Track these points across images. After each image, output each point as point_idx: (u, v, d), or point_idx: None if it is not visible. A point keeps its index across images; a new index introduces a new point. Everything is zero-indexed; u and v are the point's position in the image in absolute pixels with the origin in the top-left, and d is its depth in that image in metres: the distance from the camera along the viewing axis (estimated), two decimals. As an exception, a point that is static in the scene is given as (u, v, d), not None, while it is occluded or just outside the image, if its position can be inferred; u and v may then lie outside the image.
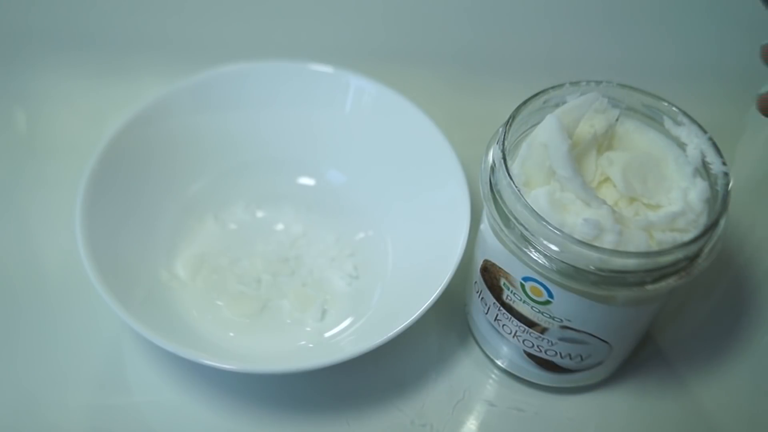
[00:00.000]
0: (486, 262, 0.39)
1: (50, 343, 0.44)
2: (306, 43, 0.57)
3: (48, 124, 0.55)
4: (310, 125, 0.51)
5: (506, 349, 0.42)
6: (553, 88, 0.38)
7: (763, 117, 0.36)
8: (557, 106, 0.38)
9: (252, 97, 0.50)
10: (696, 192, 0.35)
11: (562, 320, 0.37)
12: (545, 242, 0.34)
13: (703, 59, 0.59)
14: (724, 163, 0.35)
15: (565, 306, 0.36)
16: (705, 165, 0.36)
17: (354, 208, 0.50)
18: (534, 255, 0.34)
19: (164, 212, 0.48)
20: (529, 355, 0.41)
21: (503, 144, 0.35)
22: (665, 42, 0.59)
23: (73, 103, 0.56)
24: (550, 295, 0.36)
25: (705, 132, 0.36)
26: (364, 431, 0.41)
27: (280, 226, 0.49)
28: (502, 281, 0.38)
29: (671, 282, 0.34)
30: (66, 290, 0.46)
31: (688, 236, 0.34)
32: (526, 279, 0.36)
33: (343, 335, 0.44)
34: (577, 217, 0.34)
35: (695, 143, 0.36)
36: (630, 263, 0.33)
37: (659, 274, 0.34)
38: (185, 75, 0.49)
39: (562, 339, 0.38)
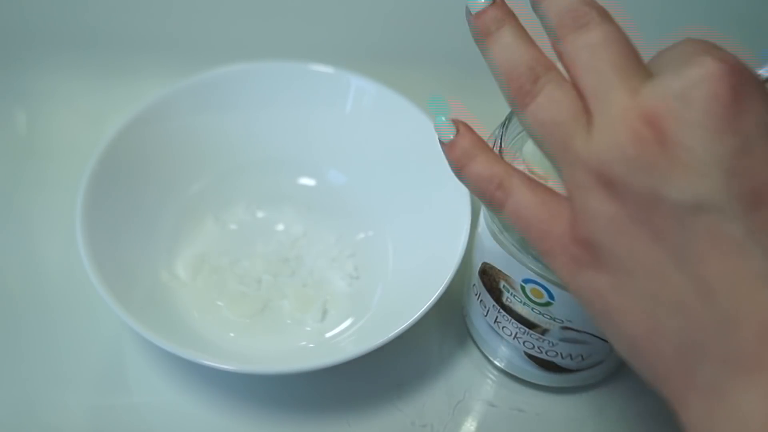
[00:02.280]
0: (485, 264, 0.39)
1: (50, 343, 0.44)
2: (306, 43, 0.57)
3: (48, 124, 0.55)
4: (311, 126, 0.51)
5: (506, 350, 0.42)
6: None
7: None
8: None
9: (252, 98, 0.50)
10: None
11: (563, 321, 0.37)
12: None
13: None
14: None
15: (566, 307, 0.36)
16: None
17: (354, 209, 0.50)
18: (535, 257, 0.34)
19: (165, 212, 0.48)
20: (530, 356, 0.41)
21: (500, 146, 0.35)
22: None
23: (73, 103, 0.56)
24: (551, 296, 0.36)
25: None
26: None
27: (280, 227, 0.49)
28: (502, 284, 0.38)
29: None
30: (66, 290, 0.46)
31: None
32: (526, 281, 0.36)
33: (344, 336, 0.44)
34: None
35: None
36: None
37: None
38: (185, 75, 0.49)
39: (563, 340, 0.38)
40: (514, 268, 0.36)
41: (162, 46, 0.58)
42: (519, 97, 0.28)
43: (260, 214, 0.50)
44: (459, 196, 0.44)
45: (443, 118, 0.30)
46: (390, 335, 0.39)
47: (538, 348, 0.40)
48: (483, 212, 0.38)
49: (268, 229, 0.49)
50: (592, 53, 0.26)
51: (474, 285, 0.41)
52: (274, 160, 0.51)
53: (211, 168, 0.50)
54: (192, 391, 0.42)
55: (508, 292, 0.38)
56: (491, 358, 0.44)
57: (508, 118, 0.37)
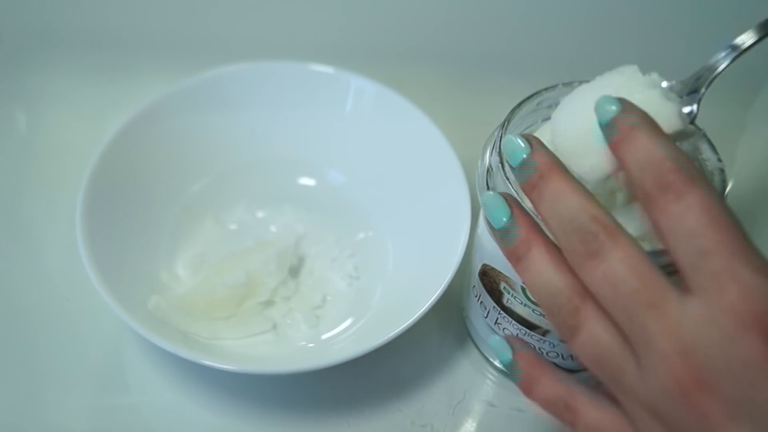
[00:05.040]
0: (485, 266, 0.39)
1: (50, 343, 0.44)
2: (306, 43, 0.57)
3: (48, 124, 0.55)
4: (311, 126, 0.51)
5: (506, 350, 0.42)
6: (546, 89, 0.38)
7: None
8: (550, 107, 0.37)
9: (252, 98, 0.50)
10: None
11: (562, 322, 0.37)
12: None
13: (702, 59, 0.59)
14: (719, 159, 0.35)
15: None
16: (700, 162, 0.36)
17: (354, 209, 0.50)
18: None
19: (165, 212, 0.48)
20: (529, 357, 0.41)
21: (500, 146, 0.35)
22: (664, 42, 0.59)
23: (73, 103, 0.56)
24: (551, 297, 0.36)
25: (699, 129, 0.36)
26: (365, 432, 0.42)
27: (280, 227, 0.49)
28: (502, 285, 0.38)
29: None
30: (66, 290, 0.46)
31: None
32: (526, 282, 0.36)
33: (344, 336, 0.44)
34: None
35: (690, 140, 0.36)
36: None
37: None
38: (185, 75, 0.49)
39: (563, 341, 0.38)
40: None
41: (162, 46, 0.58)
42: (562, 332, 0.29)
43: (260, 214, 0.50)
44: (459, 196, 0.44)
45: (497, 338, 0.33)
46: (390, 335, 0.39)
47: (539, 349, 0.40)
48: (483, 213, 0.38)
49: (267, 229, 0.49)
50: (611, 285, 0.27)
51: (474, 287, 0.41)
52: (274, 160, 0.51)
53: (212, 168, 0.50)
54: (192, 391, 0.42)
55: (509, 293, 0.38)
56: (491, 359, 0.44)
57: (508, 119, 0.36)
